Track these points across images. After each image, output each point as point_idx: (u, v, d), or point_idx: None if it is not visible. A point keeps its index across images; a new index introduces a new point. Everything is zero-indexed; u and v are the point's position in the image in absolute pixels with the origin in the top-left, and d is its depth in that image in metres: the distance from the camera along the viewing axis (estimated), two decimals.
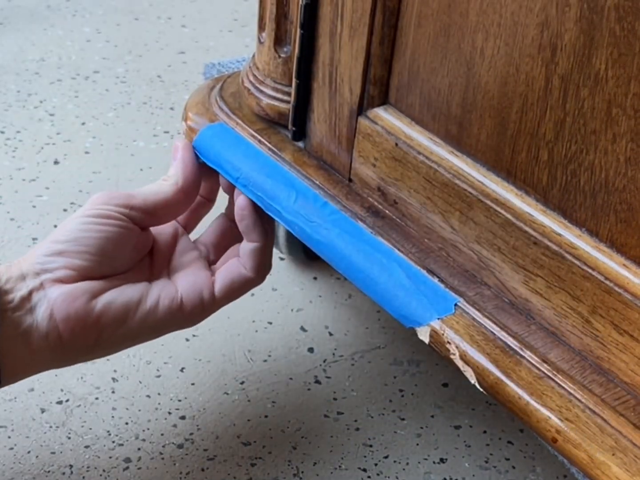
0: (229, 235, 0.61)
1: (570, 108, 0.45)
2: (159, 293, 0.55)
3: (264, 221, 0.58)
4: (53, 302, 0.51)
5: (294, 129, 0.61)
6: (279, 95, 0.62)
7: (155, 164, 0.97)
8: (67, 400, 0.67)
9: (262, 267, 0.58)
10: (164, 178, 0.58)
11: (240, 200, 0.57)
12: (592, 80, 0.43)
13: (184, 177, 0.58)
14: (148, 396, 0.68)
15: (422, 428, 0.68)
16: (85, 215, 0.54)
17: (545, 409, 0.45)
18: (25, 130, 1.00)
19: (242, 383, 0.70)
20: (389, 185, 0.56)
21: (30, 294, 0.51)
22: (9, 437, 0.64)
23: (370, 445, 0.66)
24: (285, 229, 0.76)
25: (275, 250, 0.83)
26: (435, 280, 0.52)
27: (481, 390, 0.48)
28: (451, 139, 0.52)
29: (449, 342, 0.48)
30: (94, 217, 0.54)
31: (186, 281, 0.57)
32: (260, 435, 0.66)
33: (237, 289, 0.58)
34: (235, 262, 0.58)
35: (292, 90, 0.60)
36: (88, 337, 0.53)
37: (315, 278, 0.82)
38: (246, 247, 0.58)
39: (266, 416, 0.68)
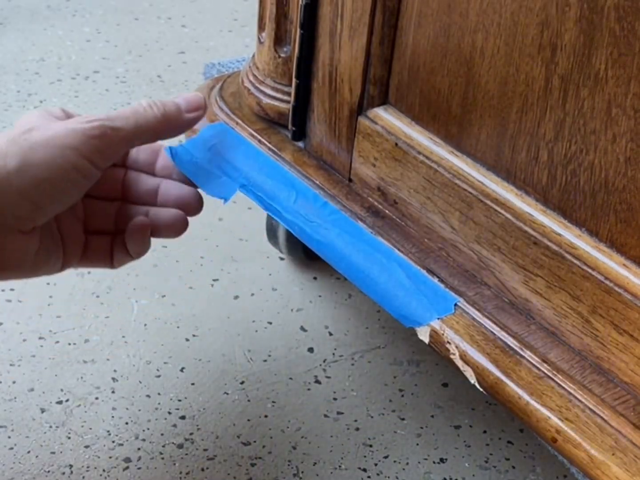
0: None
1: (570, 108, 0.45)
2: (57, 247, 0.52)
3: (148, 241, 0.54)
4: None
5: (294, 129, 0.61)
6: (279, 95, 0.62)
7: None
8: (67, 400, 0.67)
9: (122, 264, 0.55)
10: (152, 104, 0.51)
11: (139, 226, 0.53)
12: (592, 80, 0.43)
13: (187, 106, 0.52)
14: (148, 396, 0.68)
15: (422, 428, 0.68)
16: (75, 167, 0.47)
17: (545, 408, 0.45)
18: None
19: (242, 383, 0.70)
20: (389, 185, 0.56)
21: None
22: (9, 437, 0.64)
23: (370, 445, 0.66)
24: (285, 229, 0.76)
25: (275, 250, 0.83)
26: (435, 280, 0.52)
27: (481, 390, 0.48)
28: (451, 139, 0.52)
29: (449, 342, 0.48)
30: (82, 177, 0.48)
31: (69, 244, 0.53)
32: (260, 435, 0.66)
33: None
34: (105, 248, 0.54)
35: (292, 90, 0.60)
36: None
37: (315, 278, 0.82)
38: (122, 257, 0.54)
39: (266, 416, 0.68)
